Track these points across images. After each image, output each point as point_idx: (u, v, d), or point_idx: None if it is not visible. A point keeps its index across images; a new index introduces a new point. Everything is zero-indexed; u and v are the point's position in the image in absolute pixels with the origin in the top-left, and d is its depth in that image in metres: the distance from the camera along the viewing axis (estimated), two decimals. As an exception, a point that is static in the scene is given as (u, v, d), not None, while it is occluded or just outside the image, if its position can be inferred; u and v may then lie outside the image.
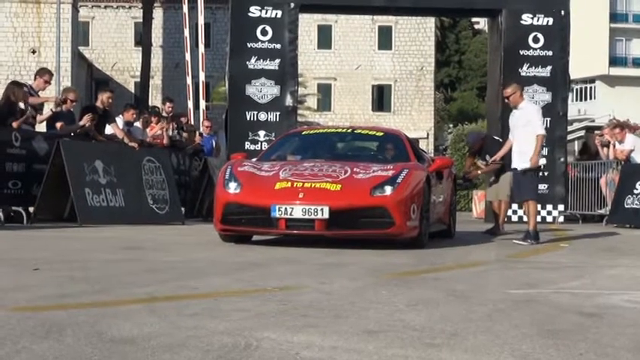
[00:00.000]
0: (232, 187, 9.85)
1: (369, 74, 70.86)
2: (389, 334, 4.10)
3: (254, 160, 11.29)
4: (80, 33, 65.46)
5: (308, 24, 63.57)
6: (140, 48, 61.23)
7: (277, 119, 18.89)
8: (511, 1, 19.28)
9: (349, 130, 13.49)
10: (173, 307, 4.87)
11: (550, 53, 19.04)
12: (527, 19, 19.07)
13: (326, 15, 59.24)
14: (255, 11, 18.93)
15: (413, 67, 70.99)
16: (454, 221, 13.24)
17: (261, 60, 18.95)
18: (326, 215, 9.28)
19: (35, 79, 14.70)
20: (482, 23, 71.18)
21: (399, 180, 9.68)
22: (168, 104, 19.74)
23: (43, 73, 14.83)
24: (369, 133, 12.88)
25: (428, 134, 68.68)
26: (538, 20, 19.05)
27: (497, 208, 14.55)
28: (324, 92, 70.11)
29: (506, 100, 12.19)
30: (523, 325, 4.53)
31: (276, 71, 18.98)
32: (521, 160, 11.48)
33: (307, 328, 4.22)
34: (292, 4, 19.06)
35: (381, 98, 71.78)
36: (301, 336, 3.99)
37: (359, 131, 13.15)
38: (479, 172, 15.16)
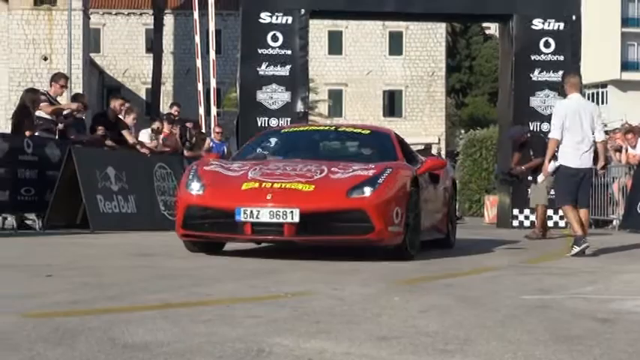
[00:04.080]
0: (195, 188, 8.92)
1: (380, 80, 71.03)
2: (402, 340, 4.09)
3: (224, 160, 10.59)
4: (91, 40, 65.70)
5: (318, 30, 63.78)
6: (151, 55, 61.53)
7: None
8: (522, 7, 19.28)
9: (333, 128, 12.43)
10: (186, 313, 4.89)
11: (561, 58, 19.03)
12: (538, 24, 19.06)
13: (336, 21, 59.16)
14: (265, 17, 18.97)
15: (424, 73, 71.14)
16: (454, 229, 12.12)
17: (272, 66, 18.99)
18: (296, 219, 8.32)
19: (51, 85, 14.71)
20: (493, 28, 71.23)
21: (380, 180, 8.67)
22: (175, 108, 20.04)
23: (58, 78, 14.84)
24: (354, 131, 11.74)
25: (439, 139, 68.63)
26: (549, 25, 19.04)
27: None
28: (335, 98, 70.31)
29: None
30: (536, 330, 4.52)
31: (287, 77, 19.01)
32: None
33: (320, 334, 4.23)
34: (303, 11, 19.10)
35: (392, 104, 71.94)
36: (314, 342, 3.99)
37: (343, 129, 12.14)
38: (523, 167, 15.27)
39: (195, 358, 3.54)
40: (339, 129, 12.06)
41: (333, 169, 9.05)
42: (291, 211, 8.29)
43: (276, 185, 8.62)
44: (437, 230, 11.13)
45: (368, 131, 11.48)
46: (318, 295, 6.04)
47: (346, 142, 11.28)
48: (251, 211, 8.37)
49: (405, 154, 10.29)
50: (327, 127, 12.61)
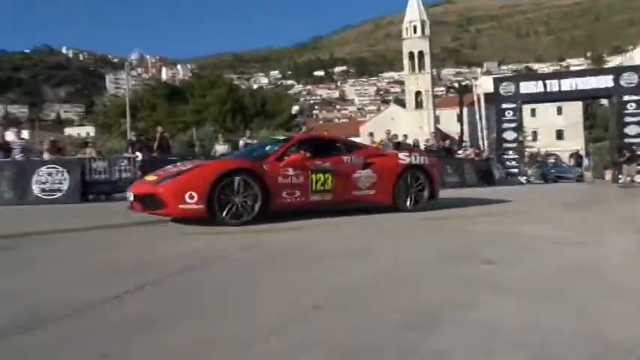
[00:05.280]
0: None
1: None
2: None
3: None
4: None
5: None
6: None
7: None
8: None
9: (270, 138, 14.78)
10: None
11: None
12: None
13: None
14: None
15: None
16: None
17: None
18: (132, 198, 11.04)
19: None
20: None
21: (179, 176, 10.63)
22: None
23: None
24: (275, 138, 13.61)
25: None
26: None
27: None
28: None
29: None
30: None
31: None
32: None
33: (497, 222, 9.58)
34: None
35: None
36: (503, 226, 9.13)
37: (272, 138, 14.26)
38: None
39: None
40: (274, 137, 14.40)
41: (181, 167, 11.37)
42: (130, 194, 11.12)
43: (144, 177, 11.95)
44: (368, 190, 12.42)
45: (283, 137, 13.08)
46: (459, 219, 10.85)
47: (267, 146, 12.77)
48: (128, 194, 11.26)
49: (285, 154, 11.64)
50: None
